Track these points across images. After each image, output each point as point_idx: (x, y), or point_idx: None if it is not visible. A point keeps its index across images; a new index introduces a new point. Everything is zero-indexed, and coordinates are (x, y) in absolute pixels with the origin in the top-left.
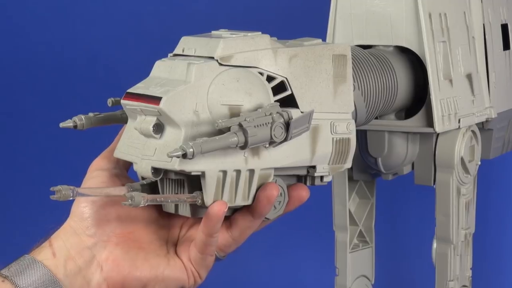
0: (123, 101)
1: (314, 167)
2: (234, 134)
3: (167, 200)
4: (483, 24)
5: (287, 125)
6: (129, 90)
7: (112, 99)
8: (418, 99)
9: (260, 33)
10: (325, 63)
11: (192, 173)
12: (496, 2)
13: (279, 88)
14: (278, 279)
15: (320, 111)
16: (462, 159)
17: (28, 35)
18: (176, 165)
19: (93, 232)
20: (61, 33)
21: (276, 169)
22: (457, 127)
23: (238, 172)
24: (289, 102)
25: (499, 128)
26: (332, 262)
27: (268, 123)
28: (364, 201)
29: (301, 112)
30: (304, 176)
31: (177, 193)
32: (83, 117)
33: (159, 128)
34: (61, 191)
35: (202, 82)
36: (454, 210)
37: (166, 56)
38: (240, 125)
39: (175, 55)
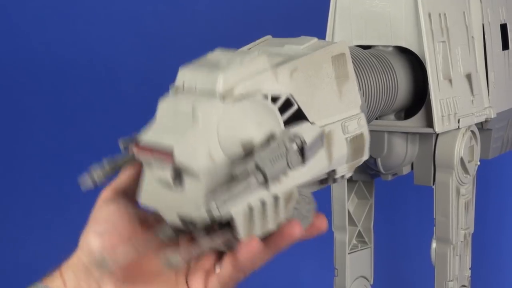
0: (135, 152)
1: (333, 170)
2: (253, 176)
3: (202, 250)
4: (482, 24)
5: (301, 150)
6: (139, 141)
7: (123, 141)
8: (418, 100)
9: (256, 52)
10: (325, 68)
11: (223, 219)
12: (495, 2)
13: (286, 105)
14: (277, 279)
15: (329, 116)
16: (461, 159)
17: (28, 35)
18: (203, 215)
19: None
20: (61, 33)
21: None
22: (457, 127)
23: (263, 202)
24: (298, 114)
25: (498, 128)
26: (330, 262)
27: (283, 153)
28: (363, 202)
29: (310, 122)
30: (325, 178)
31: (208, 231)
32: (100, 172)
33: (178, 177)
34: (105, 260)
35: (210, 124)
36: (453, 210)
37: (166, 55)
38: (257, 166)
39: (177, 88)
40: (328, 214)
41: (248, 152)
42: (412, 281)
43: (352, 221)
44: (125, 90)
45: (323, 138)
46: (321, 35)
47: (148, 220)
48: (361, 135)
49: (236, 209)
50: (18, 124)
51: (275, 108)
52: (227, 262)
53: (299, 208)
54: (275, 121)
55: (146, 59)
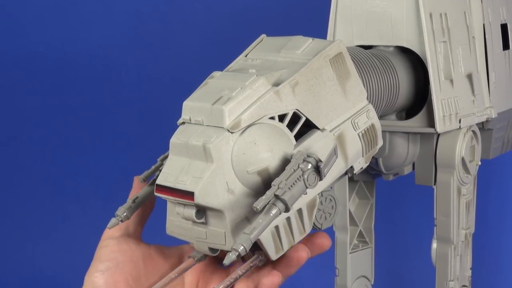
0: (156, 194)
1: (351, 166)
2: (274, 206)
3: (236, 277)
4: (483, 24)
5: (317, 168)
6: (158, 182)
7: (142, 177)
8: (419, 99)
9: (255, 75)
10: (325, 72)
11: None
12: (496, 2)
13: (294, 119)
14: None
15: (338, 117)
16: (463, 159)
17: (28, 35)
18: (232, 246)
19: None
20: (61, 33)
21: None
22: (458, 127)
23: (288, 218)
24: (308, 123)
25: (498, 128)
26: (332, 262)
27: (300, 176)
28: (363, 202)
29: (321, 129)
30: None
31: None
32: (125, 210)
33: (201, 213)
34: None
35: (223, 160)
36: (454, 210)
37: (166, 55)
38: (277, 196)
39: (184, 123)
40: None
41: (265, 178)
42: (412, 281)
43: (353, 221)
44: (125, 90)
45: (337, 151)
46: (322, 35)
47: (151, 255)
48: (372, 126)
49: (263, 234)
50: (18, 123)
51: (283, 126)
52: None
53: (322, 208)
54: (286, 140)
55: (146, 59)
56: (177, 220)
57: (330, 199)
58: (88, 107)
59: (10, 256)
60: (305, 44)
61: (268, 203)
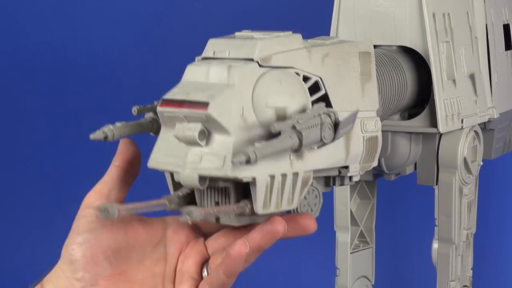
0: (160, 109)
1: (347, 167)
2: (289, 137)
3: (219, 212)
4: (486, 24)
5: (334, 126)
6: (166, 97)
7: (137, 107)
8: (421, 99)
9: (291, 32)
10: (353, 61)
11: (244, 180)
12: (499, 3)
13: (314, 88)
14: (278, 279)
15: (350, 109)
16: (465, 159)
17: (28, 35)
18: (228, 171)
19: (81, 276)
20: (61, 33)
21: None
22: (460, 127)
23: (284, 176)
24: (322, 101)
25: (500, 128)
26: (332, 262)
27: (318, 124)
28: (365, 202)
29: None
30: (333, 177)
31: (217, 202)
32: (112, 127)
33: (204, 134)
34: (107, 210)
35: (246, 85)
36: (456, 211)
37: (166, 55)
38: (294, 127)
39: (205, 58)
40: (330, 214)
41: (281, 117)
42: (413, 281)
43: (354, 221)
44: (125, 90)
45: (355, 121)
46: (325, 34)
47: (133, 226)
48: (376, 138)
49: (260, 171)
50: (18, 123)
51: (305, 86)
52: (216, 266)
53: (308, 199)
54: (306, 97)
55: (146, 59)
56: (168, 146)
57: (316, 195)
58: (88, 107)
59: (10, 256)
60: (332, 39)
61: (285, 131)
